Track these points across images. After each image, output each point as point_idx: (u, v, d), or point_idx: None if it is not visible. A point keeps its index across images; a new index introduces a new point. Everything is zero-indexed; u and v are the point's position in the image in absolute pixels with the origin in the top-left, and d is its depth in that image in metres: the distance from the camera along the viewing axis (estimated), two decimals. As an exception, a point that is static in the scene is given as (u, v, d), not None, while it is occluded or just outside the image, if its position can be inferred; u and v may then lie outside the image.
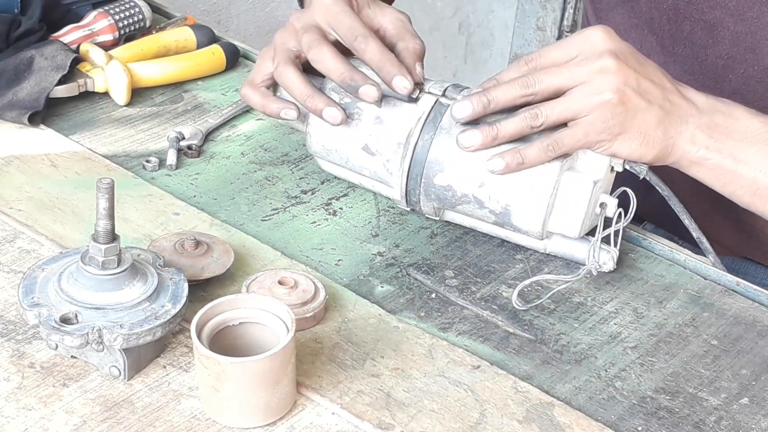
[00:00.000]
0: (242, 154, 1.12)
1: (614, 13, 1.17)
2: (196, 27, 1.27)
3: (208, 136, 1.14)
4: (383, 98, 0.96)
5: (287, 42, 0.99)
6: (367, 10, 1.01)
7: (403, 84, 0.95)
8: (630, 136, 0.92)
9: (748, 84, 1.10)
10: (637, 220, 1.14)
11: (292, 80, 0.97)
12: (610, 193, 0.96)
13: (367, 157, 0.98)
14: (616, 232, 0.95)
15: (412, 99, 0.96)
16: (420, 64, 0.98)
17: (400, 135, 0.96)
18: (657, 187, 0.97)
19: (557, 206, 0.94)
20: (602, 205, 0.95)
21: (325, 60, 0.96)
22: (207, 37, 1.26)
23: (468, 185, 0.94)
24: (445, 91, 0.97)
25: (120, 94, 1.16)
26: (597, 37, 0.93)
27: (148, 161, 1.08)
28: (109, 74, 1.16)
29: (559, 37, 2.47)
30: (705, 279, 1.00)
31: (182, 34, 1.25)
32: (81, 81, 1.14)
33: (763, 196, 0.94)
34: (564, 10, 2.45)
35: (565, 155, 0.93)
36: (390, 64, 0.95)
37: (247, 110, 1.18)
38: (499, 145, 0.92)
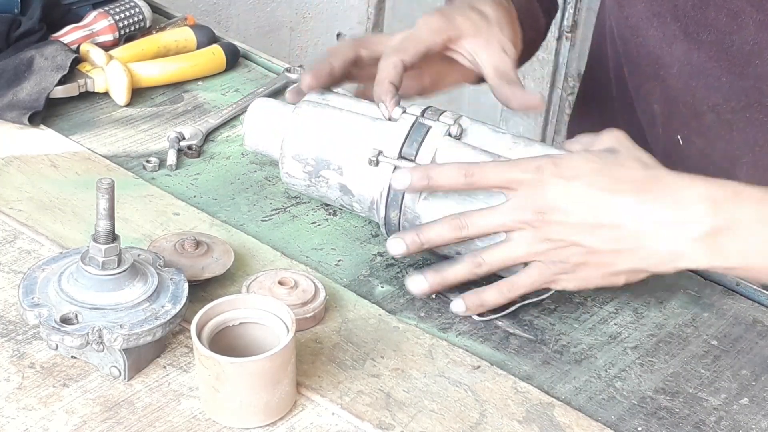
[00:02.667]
0: (242, 154, 1.12)
1: (637, 1, 1.17)
2: (196, 27, 1.27)
3: (208, 136, 1.14)
4: (341, 168, 0.96)
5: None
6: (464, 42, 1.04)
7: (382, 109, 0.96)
8: (592, 268, 0.88)
9: None
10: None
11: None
12: None
13: (349, 208, 0.99)
14: None
15: (371, 161, 0.94)
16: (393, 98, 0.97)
17: (368, 202, 0.96)
18: None
19: None
20: None
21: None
22: (207, 37, 1.26)
23: (448, 249, 0.94)
24: (401, 149, 0.93)
25: (120, 94, 1.16)
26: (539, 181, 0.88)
27: (148, 161, 1.08)
28: (109, 74, 1.16)
29: (560, 38, 2.47)
30: (705, 279, 0.99)
31: (182, 34, 1.25)
32: (81, 81, 1.14)
33: None
34: (564, 10, 2.44)
35: None
36: (385, 90, 0.96)
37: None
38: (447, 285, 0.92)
